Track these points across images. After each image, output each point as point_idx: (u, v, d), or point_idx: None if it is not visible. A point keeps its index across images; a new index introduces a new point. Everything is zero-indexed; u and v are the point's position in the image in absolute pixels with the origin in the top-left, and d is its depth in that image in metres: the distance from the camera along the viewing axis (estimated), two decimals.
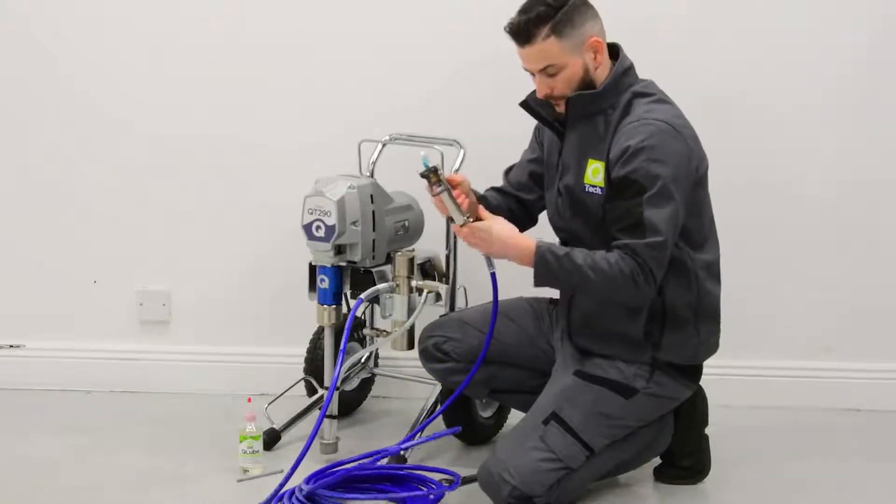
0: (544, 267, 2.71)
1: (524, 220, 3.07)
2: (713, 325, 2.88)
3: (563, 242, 2.92)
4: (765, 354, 3.62)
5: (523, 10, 2.73)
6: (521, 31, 2.72)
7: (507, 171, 3.13)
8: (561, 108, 2.80)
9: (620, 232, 2.69)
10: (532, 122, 2.98)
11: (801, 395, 3.60)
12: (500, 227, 2.78)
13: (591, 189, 2.78)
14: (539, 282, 2.76)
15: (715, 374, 3.03)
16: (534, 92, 2.87)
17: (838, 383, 3.61)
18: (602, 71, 2.78)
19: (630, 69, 2.81)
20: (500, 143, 3.43)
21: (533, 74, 2.79)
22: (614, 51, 2.83)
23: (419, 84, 3.53)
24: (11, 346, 3.72)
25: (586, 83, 2.76)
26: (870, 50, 3.49)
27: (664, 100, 2.79)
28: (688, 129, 2.76)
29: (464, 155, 3.22)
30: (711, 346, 2.91)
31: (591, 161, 2.77)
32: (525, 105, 2.89)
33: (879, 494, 3.02)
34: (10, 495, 2.91)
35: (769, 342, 3.62)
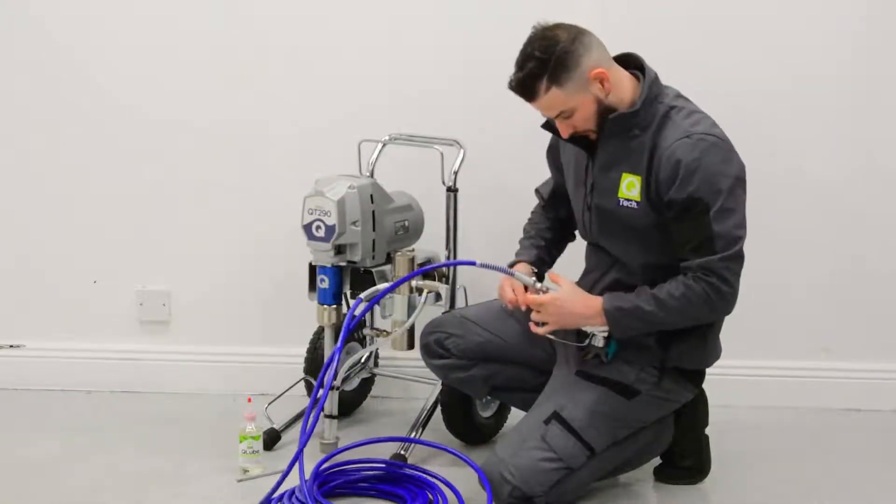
0: (616, 324, 2.71)
1: (562, 244, 3.07)
2: (716, 327, 2.87)
3: (589, 253, 2.94)
4: (765, 354, 3.62)
5: (518, 67, 2.67)
6: (523, 90, 2.66)
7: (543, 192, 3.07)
8: (592, 137, 2.75)
9: (692, 252, 2.66)
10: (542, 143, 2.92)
11: (801, 395, 3.60)
12: (566, 295, 2.76)
13: (626, 203, 2.74)
14: (620, 335, 2.75)
15: (715, 374, 3.02)
16: None
17: (838, 383, 3.61)
18: (621, 90, 2.69)
19: (656, 79, 2.74)
20: (500, 143, 3.43)
21: None
22: (633, 61, 2.76)
23: (419, 84, 3.53)
24: (11, 346, 3.72)
25: (606, 110, 2.69)
26: (869, 48, 3.49)
27: (697, 110, 2.74)
28: (727, 138, 2.72)
29: (464, 155, 3.22)
30: (717, 350, 2.90)
31: (625, 175, 2.73)
32: (548, 126, 2.84)
33: (879, 494, 3.02)
34: (10, 495, 2.90)
35: (769, 342, 3.62)
